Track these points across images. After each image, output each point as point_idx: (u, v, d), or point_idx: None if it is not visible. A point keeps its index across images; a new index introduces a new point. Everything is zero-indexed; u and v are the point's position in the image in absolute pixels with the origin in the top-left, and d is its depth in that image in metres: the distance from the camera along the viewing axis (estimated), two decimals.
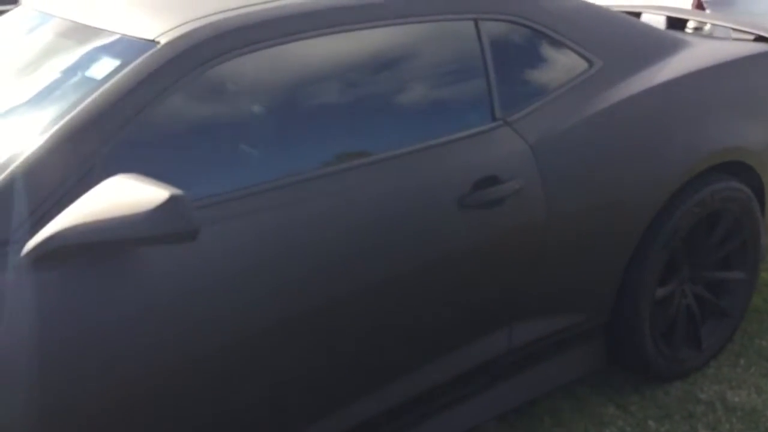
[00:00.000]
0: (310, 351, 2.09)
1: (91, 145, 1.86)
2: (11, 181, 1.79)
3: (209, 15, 2.10)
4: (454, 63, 2.41)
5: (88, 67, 2.10)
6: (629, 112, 2.62)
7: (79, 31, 2.25)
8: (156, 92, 1.93)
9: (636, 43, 2.79)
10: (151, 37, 2.04)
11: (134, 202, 1.69)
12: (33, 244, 1.72)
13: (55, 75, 2.15)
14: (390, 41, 2.32)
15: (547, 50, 2.57)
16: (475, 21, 2.43)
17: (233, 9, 2.13)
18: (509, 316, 2.47)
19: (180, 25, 2.06)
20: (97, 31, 2.20)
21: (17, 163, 1.82)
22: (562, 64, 2.59)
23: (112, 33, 2.15)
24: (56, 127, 1.86)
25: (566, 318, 2.61)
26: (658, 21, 3.40)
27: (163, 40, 2.01)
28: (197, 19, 2.08)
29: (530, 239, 2.41)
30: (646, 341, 2.78)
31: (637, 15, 3.58)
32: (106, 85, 1.93)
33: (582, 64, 2.62)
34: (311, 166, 2.10)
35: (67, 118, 1.88)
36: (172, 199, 1.67)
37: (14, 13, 2.63)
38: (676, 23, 3.49)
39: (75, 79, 2.08)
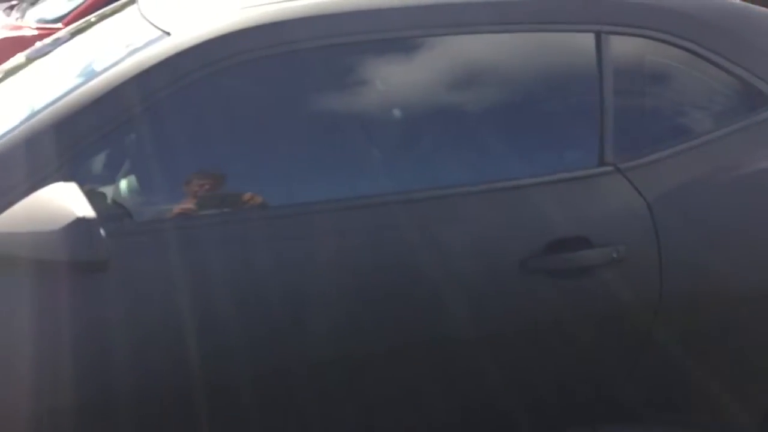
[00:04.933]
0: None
1: (69, 137, 1.65)
2: None
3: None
4: (559, 86, 1.89)
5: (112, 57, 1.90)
6: None
7: (137, 22, 2.07)
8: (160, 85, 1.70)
9: None
10: (167, 29, 1.80)
11: (51, 218, 1.47)
12: None
13: (84, 62, 1.99)
14: (471, 51, 1.86)
15: (704, 78, 1.93)
16: (597, 34, 1.88)
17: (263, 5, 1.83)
18: (588, 414, 1.91)
19: (198, 19, 1.79)
20: (144, 23, 2.00)
21: None
22: (723, 99, 1.95)
23: (154, 27, 1.93)
24: (38, 117, 1.69)
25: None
26: None
27: (174, 32, 1.76)
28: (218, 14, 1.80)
29: (629, 324, 1.84)
30: None
31: None
32: (99, 78, 1.73)
33: (759, 101, 1.94)
34: (331, 197, 1.76)
35: (51, 107, 1.70)
36: (77, 222, 1.44)
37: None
38: None
39: (91, 67, 1.91)
